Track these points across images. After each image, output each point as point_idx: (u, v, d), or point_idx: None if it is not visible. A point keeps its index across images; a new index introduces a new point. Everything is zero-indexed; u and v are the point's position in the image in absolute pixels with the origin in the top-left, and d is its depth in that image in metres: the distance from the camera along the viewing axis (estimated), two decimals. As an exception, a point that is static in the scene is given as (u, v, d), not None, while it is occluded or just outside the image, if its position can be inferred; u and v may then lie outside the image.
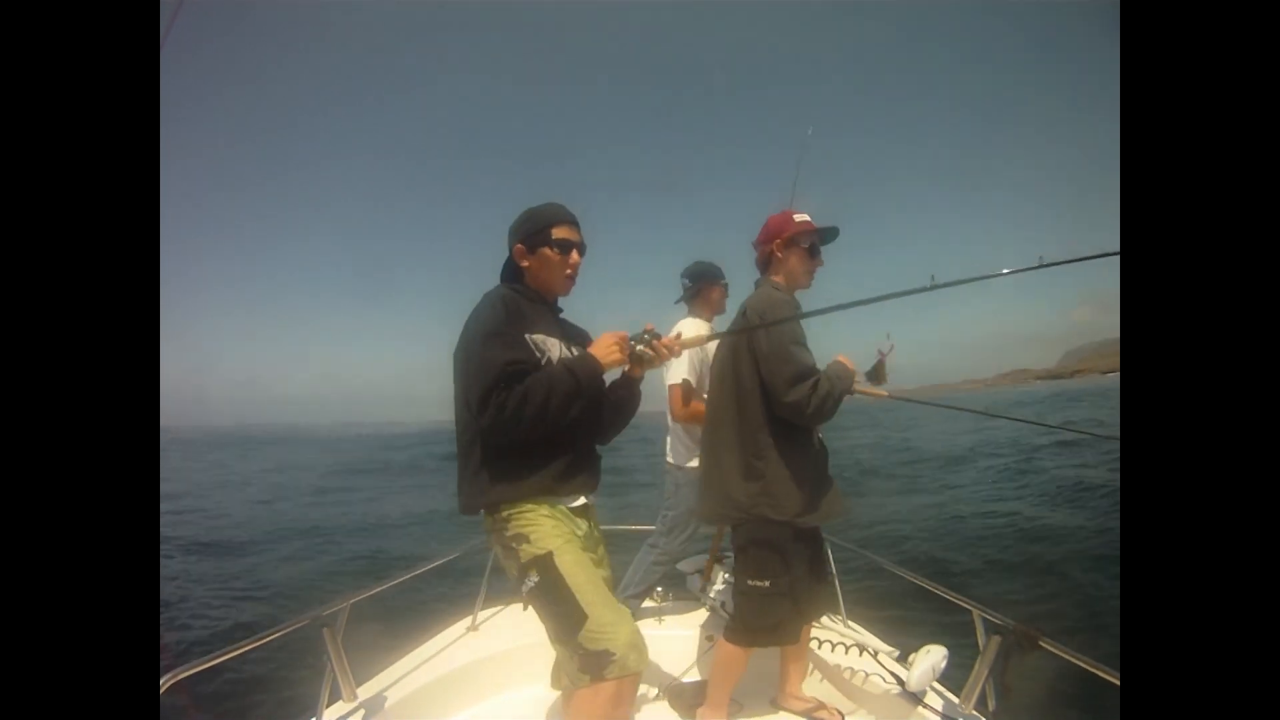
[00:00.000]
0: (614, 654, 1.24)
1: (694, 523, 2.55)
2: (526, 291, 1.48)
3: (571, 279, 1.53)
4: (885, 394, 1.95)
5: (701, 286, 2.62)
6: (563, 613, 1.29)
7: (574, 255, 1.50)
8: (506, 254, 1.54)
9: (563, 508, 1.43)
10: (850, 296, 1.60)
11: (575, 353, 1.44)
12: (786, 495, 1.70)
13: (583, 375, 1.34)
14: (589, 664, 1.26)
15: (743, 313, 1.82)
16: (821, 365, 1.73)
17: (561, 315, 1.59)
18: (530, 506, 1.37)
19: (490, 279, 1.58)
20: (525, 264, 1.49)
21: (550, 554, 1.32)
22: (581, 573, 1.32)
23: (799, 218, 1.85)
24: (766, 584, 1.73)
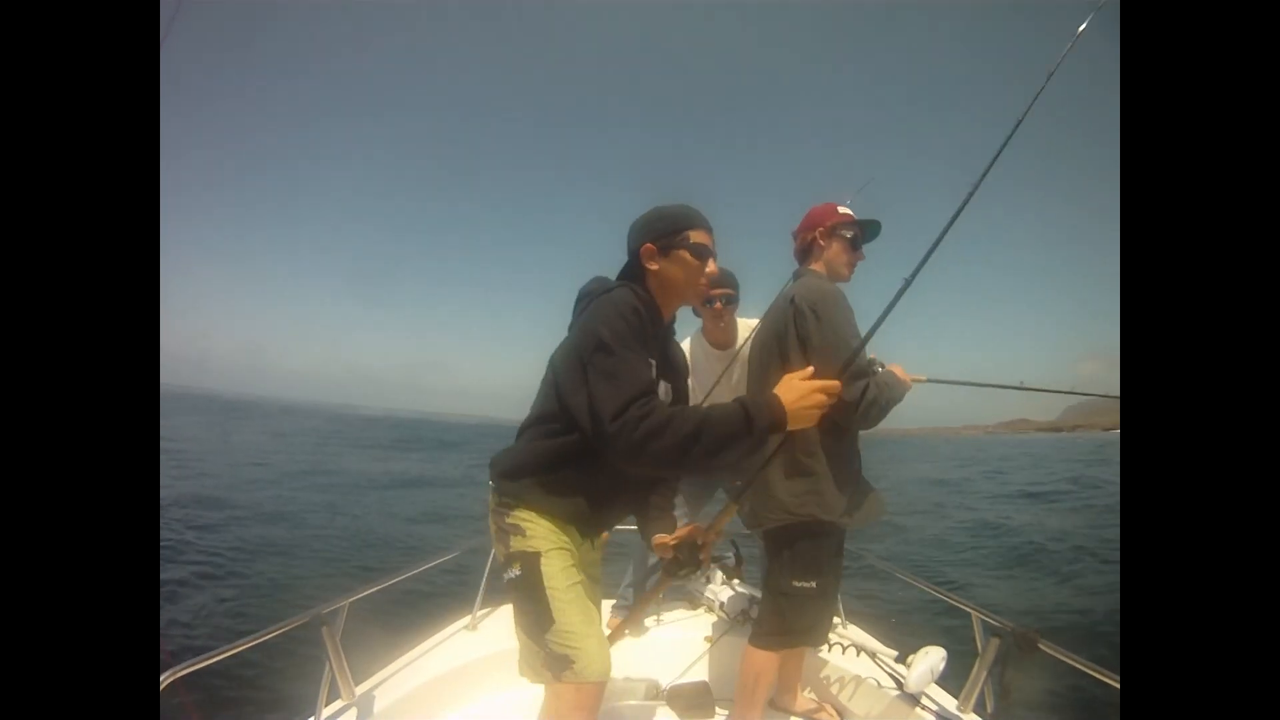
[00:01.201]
0: (574, 661, 1.24)
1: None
2: (650, 302, 1.32)
3: (706, 289, 1.39)
4: (924, 379, 1.83)
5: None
6: (535, 610, 1.27)
7: (711, 264, 1.36)
8: (626, 258, 1.39)
9: (576, 534, 1.35)
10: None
11: (666, 384, 1.33)
12: (835, 494, 1.65)
13: (760, 423, 1.10)
14: (551, 664, 1.26)
15: (789, 301, 1.73)
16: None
17: (672, 332, 1.47)
18: (539, 494, 1.30)
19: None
20: (654, 266, 1.33)
21: (538, 555, 1.28)
22: (562, 579, 1.28)
23: (842, 209, 1.83)
24: (813, 585, 1.69)
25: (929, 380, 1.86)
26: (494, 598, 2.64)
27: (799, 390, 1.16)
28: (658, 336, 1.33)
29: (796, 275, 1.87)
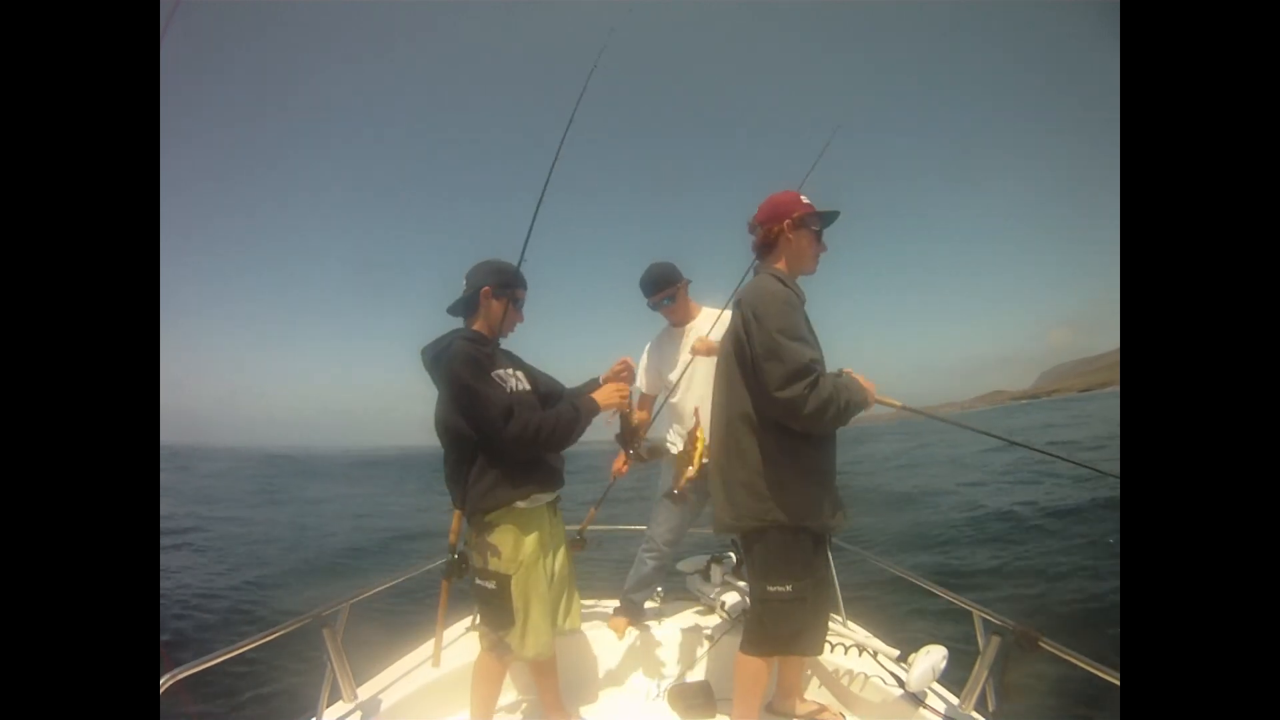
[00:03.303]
0: (511, 648, 1.73)
1: (675, 513, 2.51)
2: (477, 337, 1.81)
3: (510, 329, 1.92)
4: (899, 404, 1.82)
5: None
6: (498, 615, 1.73)
7: (521, 315, 1.93)
8: (463, 289, 1.84)
9: (540, 506, 1.80)
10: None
11: (520, 376, 1.82)
12: (804, 500, 1.63)
13: (587, 411, 1.76)
14: (495, 646, 1.76)
15: (737, 305, 1.72)
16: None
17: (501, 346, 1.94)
18: (510, 514, 1.72)
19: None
20: (488, 303, 1.83)
21: (509, 578, 1.71)
22: (527, 594, 1.73)
23: (805, 199, 1.76)
24: (789, 589, 1.65)
25: (903, 407, 1.85)
26: None
27: (609, 389, 1.84)
28: (495, 352, 1.81)
29: (756, 271, 1.80)
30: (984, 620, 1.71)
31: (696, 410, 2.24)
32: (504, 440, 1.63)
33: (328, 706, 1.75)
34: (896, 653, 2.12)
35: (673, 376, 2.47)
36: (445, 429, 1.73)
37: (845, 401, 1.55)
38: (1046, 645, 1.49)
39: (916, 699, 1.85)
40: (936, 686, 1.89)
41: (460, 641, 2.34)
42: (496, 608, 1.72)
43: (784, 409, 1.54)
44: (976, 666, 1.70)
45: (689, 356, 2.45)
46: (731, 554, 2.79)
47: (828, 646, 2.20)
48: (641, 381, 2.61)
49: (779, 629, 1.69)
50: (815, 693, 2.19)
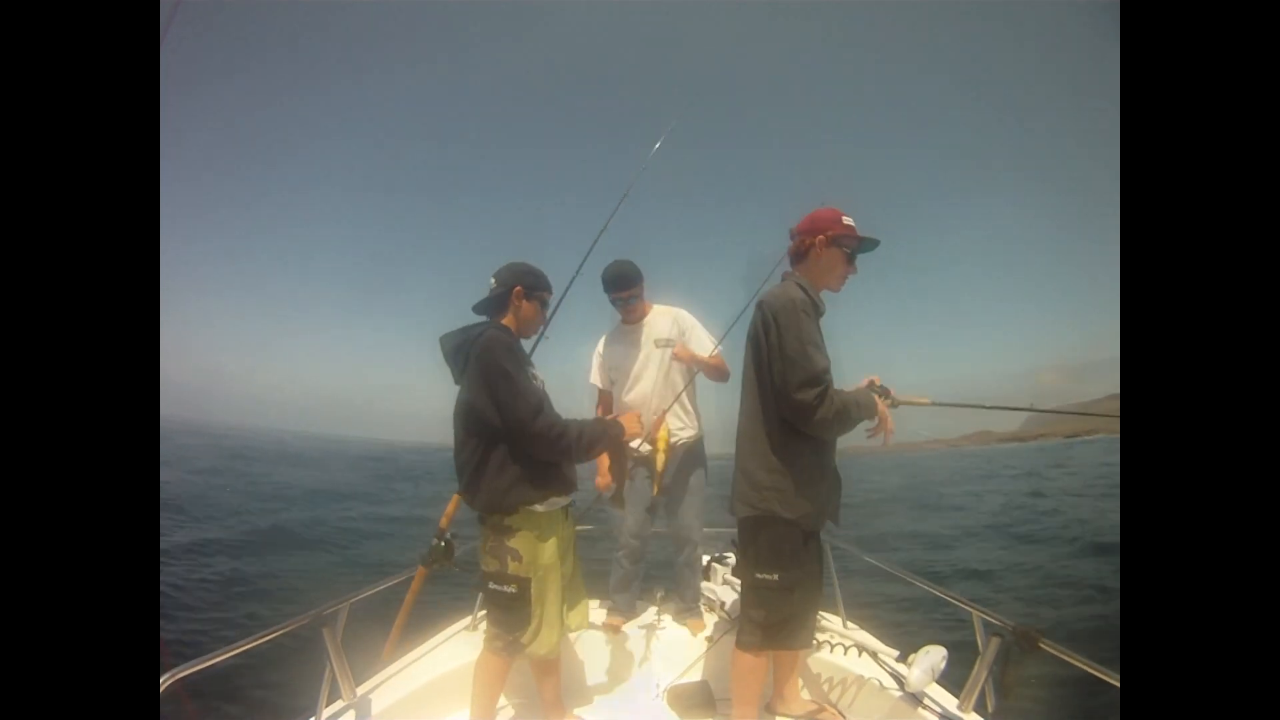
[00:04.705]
0: (526, 647, 1.74)
1: (638, 507, 2.55)
2: (509, 331, 1.85)
3: (536, 332, 1.99)
4: (927, 401, 1.89)
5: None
6: (514, 617, 1.74)
7: (547, 316, 2.00)
8: (492, 286, 1.89)
9: (557, 510, 1.81)
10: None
11: (542, 381, 1.89)
12: (799, 495, 1.69)
13: (613, 434, 1.86)
14: (506, 648, 1.76)
15: (759, 306, 1.78)
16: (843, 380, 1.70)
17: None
18: (530, 519, 1.73)
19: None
20: (518, 303, 1.88)
21: (529, 580, 1.73)
22: (544, 595, 1.76)
23: (847, 220, 1.81)
24: (775, 577, 1.71)
25: (932, 403, 1.89)
26: None
27: (631, 417, 1.94)
28: (523, 348, 1.86)
29: (785, 277, 1.87)
30: (984, 620, 1.71)
31: (664, 413, 2.31)
32: (529, 434, 1.64)
33: (327, 706, 1.75)
34: (896, 653, 2.13)
35: (629, 372, 2.54)
36: (470, 414, 1.70)
37: (854, 416, 1.67)
38: (1046, 646, 1.50)
39: (916, 699, 1.85)
40: (936, 687, 1.89)
41: (457, 641, 2.34)
42: (514, 611, 1.73)
43: (795, 410, 1.64)
44: (976, 667, 1.70)
45: (645, 351, 2.54)
46: (731, 554, 2.79)
47: (827, 647, 2.21)
48: (597, 378, 2.68)
49: (766, 617, 1.74)
50: (814, 692, 2.19)
